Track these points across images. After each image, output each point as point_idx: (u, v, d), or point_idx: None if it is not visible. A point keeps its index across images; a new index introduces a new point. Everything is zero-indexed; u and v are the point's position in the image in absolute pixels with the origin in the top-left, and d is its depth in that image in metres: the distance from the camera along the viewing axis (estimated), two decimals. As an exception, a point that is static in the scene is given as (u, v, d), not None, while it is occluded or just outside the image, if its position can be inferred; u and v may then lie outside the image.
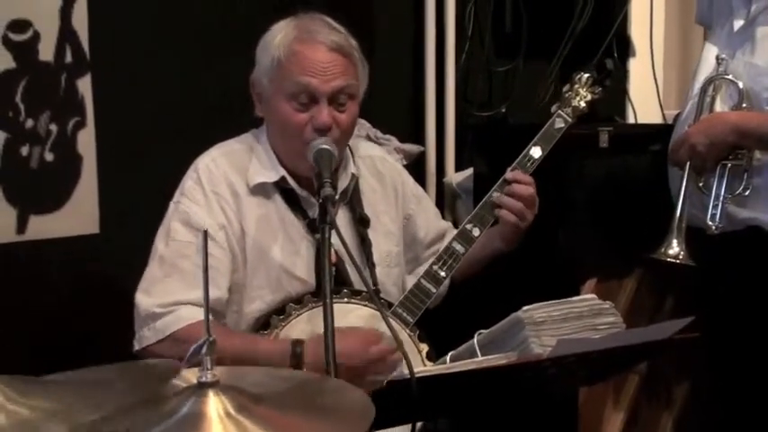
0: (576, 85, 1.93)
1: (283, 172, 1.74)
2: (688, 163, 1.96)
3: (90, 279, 2.14)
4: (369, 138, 2.56)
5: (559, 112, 1.90)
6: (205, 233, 1.10)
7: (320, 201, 1.49)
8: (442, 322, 1.88)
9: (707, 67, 2.06)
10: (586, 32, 2.78)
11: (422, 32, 2.69)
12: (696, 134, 1.95)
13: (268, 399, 1.10)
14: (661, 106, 2.96)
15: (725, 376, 2.03)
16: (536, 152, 1.86)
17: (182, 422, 1.04)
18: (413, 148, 2.60)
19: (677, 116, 2.80)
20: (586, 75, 1.93)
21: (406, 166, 2.58)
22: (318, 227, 1.48)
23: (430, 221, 1.96)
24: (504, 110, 2.84)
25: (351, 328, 1.59)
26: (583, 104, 1.91)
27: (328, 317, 1.32)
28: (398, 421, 1.28)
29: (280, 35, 1.73)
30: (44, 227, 2.09)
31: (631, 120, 3.00)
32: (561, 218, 2.27)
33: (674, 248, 1.92)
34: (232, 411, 1.05)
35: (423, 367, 1.67)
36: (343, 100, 1.70)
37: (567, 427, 2.15)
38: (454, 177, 2.72)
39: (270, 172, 1.74)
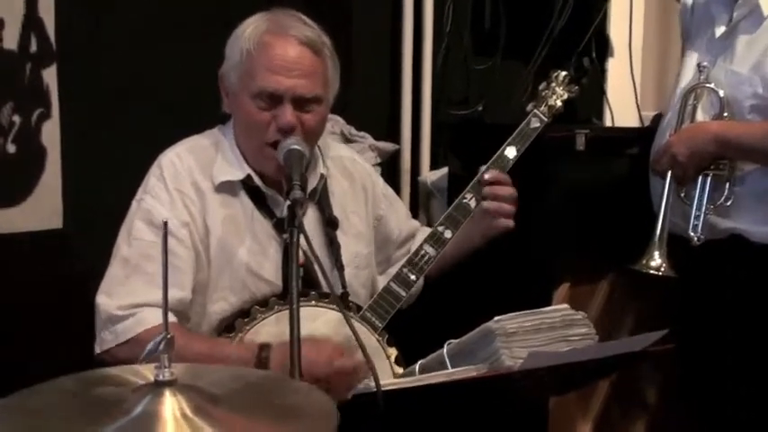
0: (553, 84, 1.90)
1: (249, 170, 1.70)
2: (669, 173, 1.94)
3: (52, 276, 2.08)
4: (343, 134, 2.52)
5: (535, 111, 1.86)
6: (165, 224, 1.05)
7: (289, 203, 1.44)
8: (412, 325, 1.85)
9: (688, 74, 2.03)
10: (565, 31, 2.75)
11: (399, 28, 2.65)
12: (677, 144, 1.92)
13: (227, 399, 1.06)
14: (638, 107, 2.93)
15: (697, 385, 2.02)
16: (511, 152, 1.83)
17: (135, 422, 1.00)
18: (387, 146, 2.56)
19: (655, 118, 2.81)
20: (563, 73, 1.90)
21: (380, 164, 2.56)
22: (287, 230, 1.43)
23: (401, 222, 1.93)
24: (480, 108, 2.80)
25: (321, 340, 1.54)
26: (559, 103, 1.88)
27: (294, 324, 1.28)
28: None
29: (250, 27, 1.68)
30: (5, 221, 2.02)
31: (608, 120, 2.98)
32: (535, 221, 2.24)
33: (656, 260, 1.89)
34: (188, 412, 1.02)
35: (391, 373, 1.64)
36: (309, 104, 1.66)
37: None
38: (429, 176, 2.68)
39: (235, 170, 1.70)
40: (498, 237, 1.84)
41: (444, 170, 2.62)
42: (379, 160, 2.52)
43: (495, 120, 2.75)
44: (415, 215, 2.37)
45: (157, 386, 1.03)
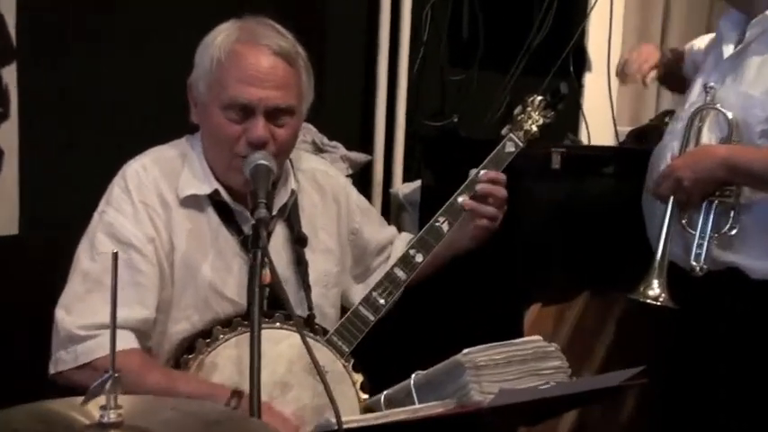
0: (529, 108, 1.85)
1: (216, 185, 1.62)
2: (671, 198, 1.83)
3: (7, 284, 1.99)
4: (314, 143, 2.45)
5: (510, 135, 1.81)
6: (115, 256, 0.98)
7: (254, 223, 1.38)
8: (381, 343, 1.79)
9: (694, 95, 1.95)
10: (544, 45, 2.71)
11: (375, 36, 2.59)
12: (682, 168, 1.81)
13: (178, 440, 0.99)
14: (615, 123, 2.91)
15: (686, 417, 1.97)
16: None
17: None
18: (359, 156, 2.50)
19: (630, 133, 2.78)
20: (539, 98, 1.85)
21: (351, 176, 2.50)
22: (250, 251, 1.36)
23: (376, 231, 1.87)
24: (456, 120, 2.75)
25: (284, 417, 1.48)
26: (534, 128, 1.83)
27: (255, 356, 1.21)
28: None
29: (221, 35, 1.60)
30: (-43, 226, 1.94)
31: (584, 134, 2.95)
32: (509, 240, 2.19)
33: (655, 290, 1.79)
34: None
35: (356, 399, 1.58)
36: (281, 116, 1.59)
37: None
38: (401, 189, 2.63)
39: (202, 183, 1.62)
40: (488, 238, 1.79)
41: (417, 183, 2.56)
42: (350, 171, 2.46)
43: (471, 132, 2.70)
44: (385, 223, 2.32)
45: (102, 429, 0.96)
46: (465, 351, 1.27)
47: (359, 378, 1.60)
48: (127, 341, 1.50)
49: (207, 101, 1.59)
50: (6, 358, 1.96)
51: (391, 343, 1.92)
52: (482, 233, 1.77)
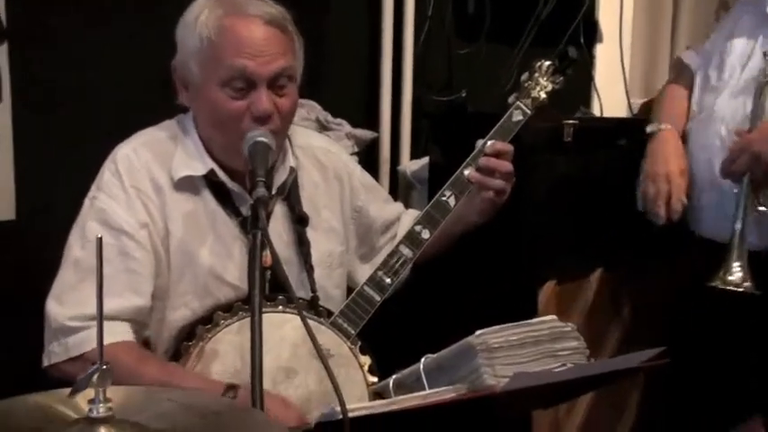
0: (537, 74, 1.76)
1: (212, 164, 1.55)
2: (746, 175, 1.75)
3: (4, 270, 1.94)
4: (318, 121, 2.38)
5: (518, 103, 1.73)
6: (99, 240, 0.92)
7: (252, 203, 1.31)
8: (390, 324, 1.73)
9: (753, 61, 1.86)
10: (553, 15, 2.63)
11: (379, 10, 2.51)
12: (760, 142, 1.72)
13: (170, 433, 0.93)
14: (627, 95, 2.83)
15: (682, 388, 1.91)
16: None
17: None
18: (365, 133, 2.43)
19: (643, 106, 2.69)
20: (547, 63, 1.77)
21: (357, 153, 2.43)
22: (250, 232, 1.30)
23: (382, 209, 1.80)
24: (464, 94, 2.67)
25: (288, 403, 1.42)
26: (543, 95, 1.75)
27: (256, 345, 1.15)
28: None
29: (204, 11, 1.52)
30: (-47, 212, 1.89)
31: (596, 108, 2.87)
32: (521, 216, 2.12)
33: (737, 274, 1.71)
34: None
35: (364, 383, 1.52)
36: (284, 83, 1.52)
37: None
38: (409, 166, 2.56)
39: (197, 164, 1.56)
40: (495, 212, 1.72)
41: (425, 160, 2.49)
42: (356, 149, 2.39)
43: (479, 107, 2.62)
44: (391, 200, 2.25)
45: (90, 423, 0.91)
46: (477, 333, 1.21)
47: (366, 361, 1.54)
48: (120, 333, 1.45)
49: (201, 81, 1.52)
50: (4, 342, 1.92)
51: (401, 324, 1.87)
52: (489, 207, 1.70)
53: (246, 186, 1.52)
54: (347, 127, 2.39)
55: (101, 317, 0.96)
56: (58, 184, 1.98)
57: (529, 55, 2.60)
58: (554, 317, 1.29)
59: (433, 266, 1.84)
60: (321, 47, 2.45)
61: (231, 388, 1.36)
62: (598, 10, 2.88)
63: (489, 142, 1.68)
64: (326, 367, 1.12)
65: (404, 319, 1.86)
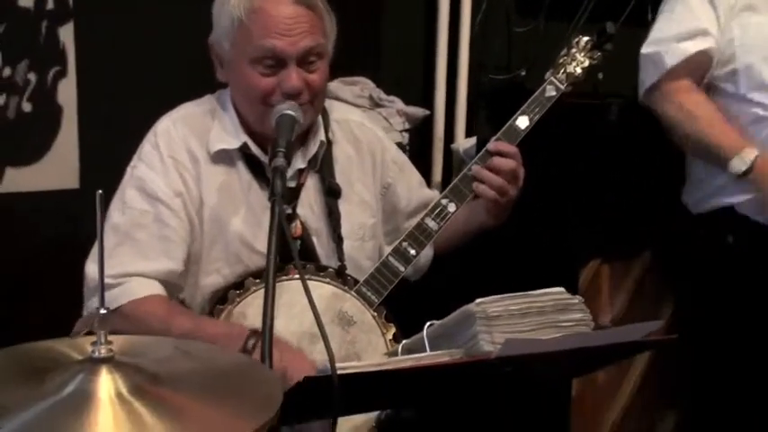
0: (573, 50, 1.76)
1: (246, 138, 1.62)
2: None
3: (67, 236, 2.07)
4: (371, 98, 2.43)
5: (552, 78, 1.73)
6: (100, 196, 0.99)
7: (271, 171, 1.38)
8: (422, 302, 1.77)
9: None
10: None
11: (436, -12, 2.54)
12: None
13: (167, 378, 0.99)
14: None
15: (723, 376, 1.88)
16: (523, 122, 1.70)
17: (65, 402, 0.94)
18: (417, 111, 2.46)
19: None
20: (585, 38, 1.77)
21: (409, 131, 2.47)
22: (269, 200, 1.36)
23: (412, 190, 1.83)
24: (523, 73, 2.67)
25: (299, 353, 1.48)
26: (579, 70, 1.74)
27: (268, 305, 1.21)
28: (320, 414, 1.18)
29: None
30: (21, 179, 2.03)
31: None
32: (565, 195, 2.12)
33: None
34: (124, 392, 0.95)
35: (385, 350, 1.56)
36: (313, 59, 1.58)
37: (559, 419, 2.04)
38: (462, 144, 2.58)
39: (231, 138, 1.63)
40: (506, 214, 1.72)
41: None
42: (407, 126, 2.43)
43: (538, 86, 2.61)
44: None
45: (93, 363, 0.97)
46: (478, 300, 1.24)
47: (391, 328, 1.59)
48: (152, 288, 1.54)
49: (233, 58, 1.59)
50: (66, 307, 2.05)
51: (436, 299, 1.90)
52: (493, 207, 1.68)
53: None
54: (399, 104, 2.43)
55: (101, 263, 1.00)
56: (119, 155, 2.09)
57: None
58: (561, 289, 1.30)
59: (476, 245, 1.86)
60: (377, 25, 2.49)
61: (255, 333, 1.42)
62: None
63: (492, 143, 1.68)
64: (319, 323, 1.16)
65: (439, 294, 1.89)
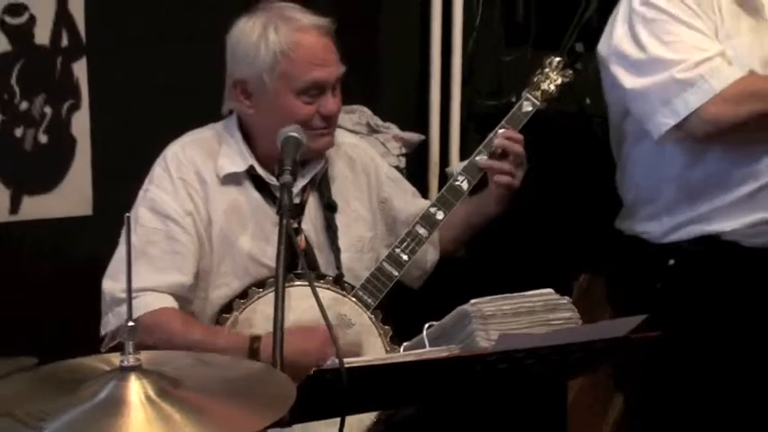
0: (547, 69, 1.91)
1: (252, 161, 1.75)
2: None
3: (81, 260, 2.17)
4: (368, 125, 2.55)
5: (527, 95, 1.87)
6: (127, 219, 1.10)
7: (280, 187, 1.49)
8: (417, 310, 1.87)
9: None
10: (594, 21, 2.71)
11: (428, 19, 2.66)
12: None
13: (190, 383, 1.10)
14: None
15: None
16: None
17: (101, 406, 1.05)
18: (412, 136, 2.58)
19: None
20: (557, 59, 1.91)
21: (406, 155, 2.58)
22: (277, 213, 1.47)
23: (408, 202, 1.96)
24: (513, 99, 2.78)
25: (309, 327, 1.58)
26: (552, 88, 1.89)
27: (279, 308, 1.32)
28: (329, 412, 1.27)
29: (271, 29, 1.71)
30: (37, 207, 2.13)
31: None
32: (557, 210, 2.23)
33: None
34: (153, 395, 1.06)
35: (384, 350, 1.67)
36: (337, 85, 1.75)
37: (553, 422, 2.12)
38: (457, 167, 2.68)
39: (239, 160, 1.75)
40: (509, 201, 1.84)
41: (472, 161, 2.62)
42: (404, 151, 2.54)
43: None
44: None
45: (122, 371, 1.08)
46: (472, 301, 1.34)
47: (387, 330, 1.69)
48: (165, 301, 1.64)
49: (275, 91, 1.70)
50: (81, 331, 2.14)
51: (433, 305, 2.00)
52: (504, 193, 1.82)
53: None
54: (395, 130, 2.54)
55: (129, 279, 1.12)
56: (130, 183, 2.20)
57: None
58: (551, 290, 1.41)
59: (470, 260, 1.96)
60: (373, 55, 2.62)
61: (256, 338, 1.53)
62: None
63: (501, 130, 1.80)
64: (325, 317, 1.27)
65: (435, 301, 1.99)
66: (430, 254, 1.93)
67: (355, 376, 1.18)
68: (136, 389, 1.06)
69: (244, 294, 1.69)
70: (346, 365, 1.17)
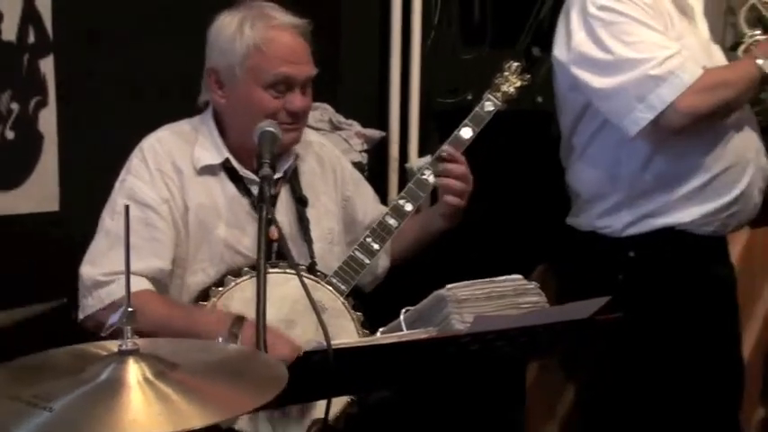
0: (506, 73, 2.01)
1: (227, 154, 1.81)
2: None
3: (49, 256, 2.18)
4: (331, 122, 2.61)
5: (489, 96, 1.97)
6: (127, 208, 1.15)
7: (259, 180, 1.55)
8: (383, 302, 1.93)
9: None
10: (548, 21, 2.82)
11: (388, 18, 2.73)
12: None
13: (185, 365, 1.16)
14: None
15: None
16: (466, 133, 1.93)
17: (103, 387, 1.10)
18: (374, 133, 2.65)
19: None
20: (516, 63, 2.01)
21: (367, 151, 2.65)
22: (257, 205, 1.53)
23: (368, 204, 2.03)
24: (470, 97, 2.87)
25: (288, 338, 1.63)
26: (512, 90, 1.99)
27: (261, 294, 1.37)
28: (316, 394, 1.33)
29: (247, 24, 1.78)
30: (4, 204, 2.13)
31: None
32: (514, 205, 2.32)
33: None
34: (150, 377, 1.11)
35: (356, 333, 1.75)
36: (308, 85, 1.81)
37: (514, 407, 2.21)
38: (416, 163, 2.76)
39: (215, 153, 1.81)
40: (459, 217, 1.92)
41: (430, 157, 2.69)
42: (366, 147, 2.61)
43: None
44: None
45: (121, 355, 1.13)
46: (448, 286, 1.41)
47: (359, 315, 1.77)
48: (144, 284, 1.69)
49: (245, 82, 1.77)
50: (50, 326, 2.15)
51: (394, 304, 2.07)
52: (452, 210, 1.89)
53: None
54: (357, 127, 2.61)
55: (128, 265, 1.16)
56: (97, 179, 2.21)
57: (528, 58, 2.80)
58: (520, 276, 1.49)
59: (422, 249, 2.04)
60: (334, 55, 2.68)
61: (239, 319, 1.58)
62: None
63: (444, 150, 1.89)
64: (313, 304, 1.33)
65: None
66: (382, 260, 2.01)
67: (342, 357, 1.24)
68: (134, 371, 1.11)
69: (220, 283, 1.74)
70: (334, 347, 1.23)
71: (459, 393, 1.79)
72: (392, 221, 1.85)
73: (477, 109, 1.96)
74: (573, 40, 1.97)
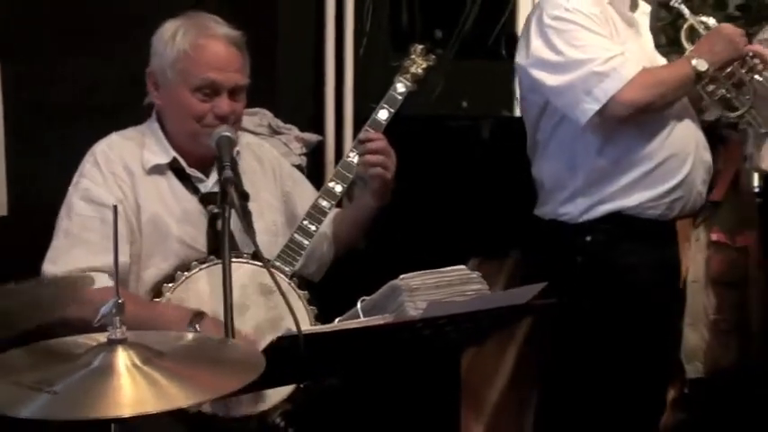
0: (413, 55, 2.15)
1: (174, 153, 1.93)
2: None
3: (-1, 257, 2.22)
4: (270, 127, 2.71)
5: (400, 78, 2.12)
6: (115, 208, 1.25)
7: (221, 182, 1.67)
8: (337, 295, 2.05)
9: None
10: (476, 28, 2.98)
11: (322, 27, 2.84)
12: None
13: (170, 354, 1.26)
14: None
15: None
16: (383, 114, 2.07)
17: (94, 372, 1.20)
18: (312, 137, 2.76)
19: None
20: (420, 46, 2.16)
21: (305, 155, 2.76)
22: (219, 206, 1.64)
23: (305, 199, 2.13)
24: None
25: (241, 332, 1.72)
26: (420, 71, 2.12)
27: (227, 291, 1.48)
28: (288, 379, 1.44)
29: (180, 31, 1.91)
30: (-48, 209, 2.16)
31: (518, 113, 3.22)
32: (447, 202, 2.47)
33: None
34: (139, 363, 1.21)
35: (305, 310, 1.88)
36: (239, 91, 1.93)
37: (449, 389, 2.38)
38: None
39: (162, 154, 1.93)
40: (387, 194, 2.04)
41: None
42: (304, 150, 2.72)
43: (412, 111, 2.96)
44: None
45: (110, 344, 1.23)
46: (401, 276, 1.56)
47: (305, 294, 1.91)
48: (104, 280, 1.76)
49: (175, 85, 1.89)
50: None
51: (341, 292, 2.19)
52: (380, 186, 2.01)
53: (202, 170, 1.93)
54: (296, 131, 2.72)
55: (116, 262, 1.27)
56: (45, 184, 2.26)
57: (455, 66, 2.97)
58: (464, 267, 1.64)
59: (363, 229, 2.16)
60: (270, 61, 2.78)
61: (198, 315, 1.70)
62: (517, 22, 3.23)
63: (363, 133, 2.04)
64: (282, 293, 1.46)
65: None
66: (326, 248, 2.14)
67: (311, 342, 1.35)
68: (123, 358, 1.22)
69: (171, 278, 1.85)
70: (304, 332, 1.35)
71: (401, 378, 1.94)
72: (324, 203, 1.97)
73: (390, 91, 2.11)
74: (531, 47, 2.22)
